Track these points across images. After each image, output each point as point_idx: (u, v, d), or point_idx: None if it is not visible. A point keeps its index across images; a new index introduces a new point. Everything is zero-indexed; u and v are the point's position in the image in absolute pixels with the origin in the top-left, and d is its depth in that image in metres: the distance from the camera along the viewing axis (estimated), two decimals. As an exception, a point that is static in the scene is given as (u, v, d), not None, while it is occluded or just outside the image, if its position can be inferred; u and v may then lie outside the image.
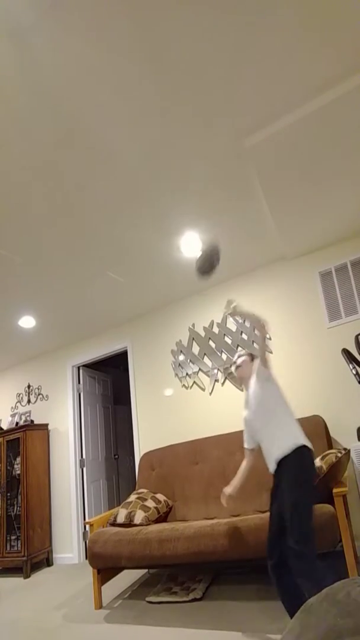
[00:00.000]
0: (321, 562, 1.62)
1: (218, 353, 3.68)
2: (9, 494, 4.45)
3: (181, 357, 3.92)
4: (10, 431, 4.60)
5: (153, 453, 3.58)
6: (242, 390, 3.51)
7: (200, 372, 3.78)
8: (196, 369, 3.79)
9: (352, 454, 2.83)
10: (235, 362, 2.23)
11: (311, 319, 3.30)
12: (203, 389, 3.73)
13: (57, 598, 3.07)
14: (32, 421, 4.85)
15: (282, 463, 1.86)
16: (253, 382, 2.08)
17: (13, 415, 5.15)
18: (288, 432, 1.89)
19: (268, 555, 1.82)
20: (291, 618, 1.49)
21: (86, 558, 4.01)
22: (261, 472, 2.94)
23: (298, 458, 1.82)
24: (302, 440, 1.87)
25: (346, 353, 2.54)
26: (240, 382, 2.23)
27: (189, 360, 3.86)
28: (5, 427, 5.04)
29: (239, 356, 2.23)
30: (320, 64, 1.78)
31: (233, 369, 2.28)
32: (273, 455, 1.90)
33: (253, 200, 2.65)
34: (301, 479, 1.78)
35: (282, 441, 1.87)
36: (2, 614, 2.92)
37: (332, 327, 3.18)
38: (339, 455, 2.21)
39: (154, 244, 3.02)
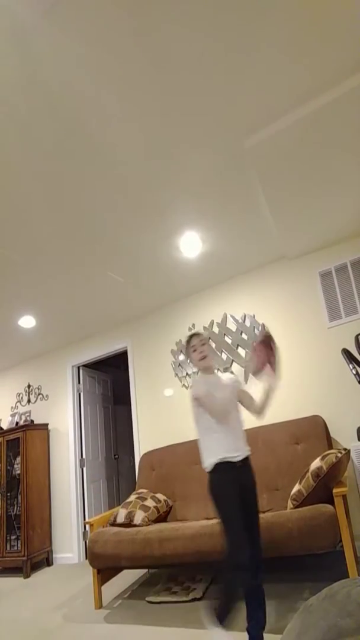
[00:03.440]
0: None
1: (218, 353, 3.68)
2: (9, 494, 4.45)
3: (181, 357, 3.91)
4: (10, 431, 4.60)
5: (153, 453, 3.58)
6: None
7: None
8: (196, 369, 3.79)
9: (352, 454, 2.83)
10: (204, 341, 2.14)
11: (311, 319, 3.30)
12: (203, 389, 3.73)
13: (57, 598, 3.07)
14: (32, 421, 4.85)
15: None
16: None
17: (13, 415, 5.15)
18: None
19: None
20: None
21: (86, 558, 4.01)
22: (261, 472, 2.94)
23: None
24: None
25: (346, 353, 2.54)
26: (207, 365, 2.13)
27: (189, 360, 3.85)
28: (5, 427, 5.04)
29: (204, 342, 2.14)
30: (320, 65, 1.78)
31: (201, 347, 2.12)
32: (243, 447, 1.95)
33: (253, 200, 2.64)
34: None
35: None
36: (2, 614, 2.92)
37: (332, 327, 3.18)
38: (339, 455, 2.21)
39: (153, 244, 3.02)
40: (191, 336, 2.20)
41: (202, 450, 1.96)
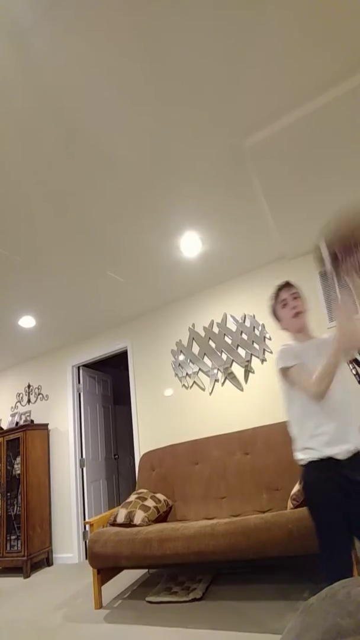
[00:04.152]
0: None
1: (218, 353, 3.68)
2: (9, 494, 4.45)
3: (181, 357, 3.92)
4: (10, 431, 4.60)
5: (153, 453, 3.58)
6: (241, 390, 3.51)
7: (200, 372, 3.78)
8: (196, 369, 3.79)
9: (352, 454, 2.82)
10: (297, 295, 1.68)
11: (311, 319, 3.28)
12: (203, 389, 3.73)
13: (57, 598, 3.07)
14: (32, 421, 4.85)
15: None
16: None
17: (13, 415, 5.15)
18: None
19: None
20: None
21: (86, 558, 4.01)
22: (261, 472, 2.94)
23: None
24: None
25: (346, 353, 2.53)
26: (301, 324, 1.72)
27: (189, 360, 3.86)
28: (5, 427, 5.04)
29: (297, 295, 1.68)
30: (320, 65, 1.78)
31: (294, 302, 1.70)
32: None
33: (253, 200, 2.64)
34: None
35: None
36: (2, 614, 2.92)
37: (333, 327, 3.18)
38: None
39: (154, 244, 3.02)
40: (280, 288, 1.67)
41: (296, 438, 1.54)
